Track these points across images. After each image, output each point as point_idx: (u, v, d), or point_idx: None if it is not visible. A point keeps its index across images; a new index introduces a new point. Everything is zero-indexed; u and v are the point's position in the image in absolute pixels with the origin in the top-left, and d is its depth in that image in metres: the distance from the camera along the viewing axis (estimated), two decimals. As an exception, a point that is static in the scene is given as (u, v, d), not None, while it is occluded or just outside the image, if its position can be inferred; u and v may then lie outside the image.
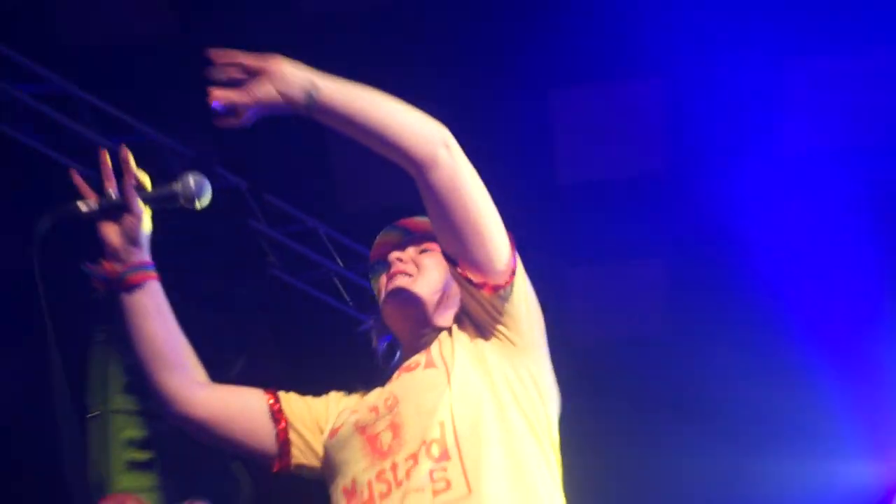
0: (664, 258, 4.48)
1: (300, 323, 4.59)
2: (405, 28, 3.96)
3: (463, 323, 1.64)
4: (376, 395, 1.68)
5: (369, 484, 1.54)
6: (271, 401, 1.74)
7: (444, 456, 1.50)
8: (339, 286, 4.64)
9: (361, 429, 1.62)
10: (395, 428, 1.57)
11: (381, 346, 1.83)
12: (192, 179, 1.57)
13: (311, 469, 1.72)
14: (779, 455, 4.46)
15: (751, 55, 3.98)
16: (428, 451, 1.51)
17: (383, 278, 1.81)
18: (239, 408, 1.75)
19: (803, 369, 4.25)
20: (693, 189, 4.20)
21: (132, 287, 1.60)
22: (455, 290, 1.71)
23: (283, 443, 1.71)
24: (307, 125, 3.04)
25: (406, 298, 1.71)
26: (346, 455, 1.61)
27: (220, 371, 4.06)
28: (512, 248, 1.58)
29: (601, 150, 4.10)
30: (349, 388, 1.83)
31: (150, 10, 3.91)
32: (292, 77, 1.47)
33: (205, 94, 2.93)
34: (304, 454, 1.72)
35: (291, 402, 1.77)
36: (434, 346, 1.64)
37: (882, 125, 4.17)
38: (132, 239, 1.57)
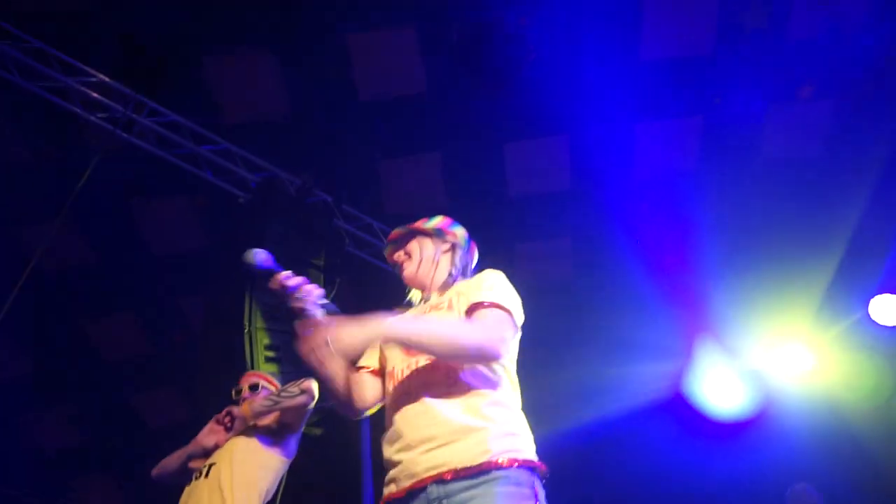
0: (572, 237, 6.04)
1: (364, 278, 5.82)
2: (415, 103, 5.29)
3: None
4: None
5: (402, 370, 2.08)
6: (364, 370, 2.23)
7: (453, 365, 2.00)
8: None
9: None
10: None
11: (410, 296, 2.40)
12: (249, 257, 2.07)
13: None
14: (634, 361, 5.88)
15: (623, 115, 5.51)
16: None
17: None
18: (370, 390, 2.19)
19: (652, 309, 5.80)
20: (590, 199, 5.81)
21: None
22: (444, 254, 2.33)
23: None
24: (370, 169, 5.01)
25: (411, 278, 2.35)
26: (392, 353, 2.16)
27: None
28: (506, 346, 1.98)
29: (532, 173, 5.71)
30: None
31: (272, 97, 5.33)
32: (356, 348, 1.90)
33: (311, 150, 5.12)
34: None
35: (366, 358, 2.25)
36: (454, 300, 2.14)
37: (707, 164, 5.65)
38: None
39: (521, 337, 2.21)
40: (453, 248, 2.35)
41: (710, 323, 6.04)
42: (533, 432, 2.06)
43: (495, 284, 2.15)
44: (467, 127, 5.54)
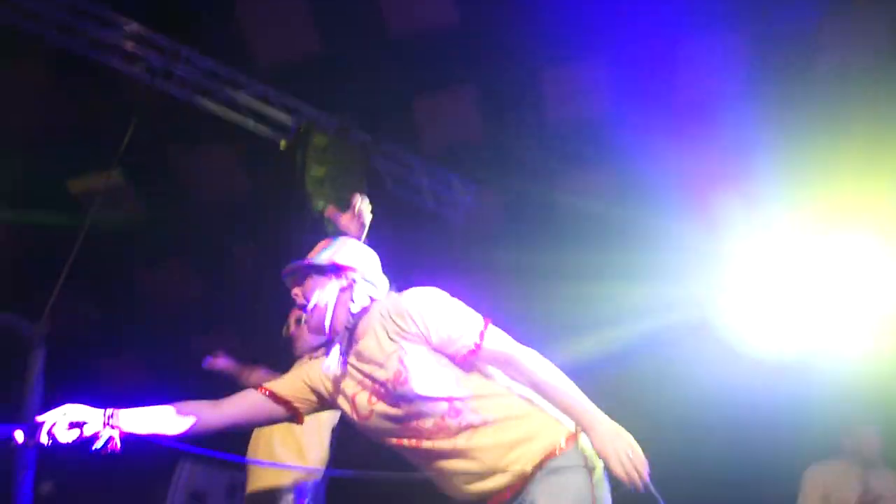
0: (616, 165, 5.78)
1: (402, 211, 5.94)
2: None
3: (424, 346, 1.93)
4: (384, 401, 1.98)
5: (408, 441, 1.99)
6: (266, 392, 2.10)
7: (458, 413, 1.93)
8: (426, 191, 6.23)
9: (392, 421, 1.98)
10: (417, 416, 1.95)
11: (319, 345, 2.37)
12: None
13: (315, 412, 2.15)
14: (678, 291, 5.73)
15: (664, 31, 5.15)
16: (449, 415, 1.93)
17: (294, 309, 2.33)
18: (248, 408, 2.09)
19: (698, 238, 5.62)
20: (631, 124, 5.42)
21: (123, 434, 1.92)
22: (344, 292, 2.06)
23: (291, 411, 2.12)
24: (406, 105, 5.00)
25: (312, 327, 2.09)
26: (386, 430, 2.01)
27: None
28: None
29: (570, 99, 5.57)
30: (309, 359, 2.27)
31: (302, 38, 5.33)
32: None
33: (346, 89, 5.07)
34: (308, 409, 2.13)
35: (280, 384, 2.13)
36: (405, 358, 1.93)
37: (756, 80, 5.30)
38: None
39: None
40: (352, 285, 2.08)
41: (764, 248, 5.82)
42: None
43: (449, 314, 1.98)
44: (501, 55, 5.39)
